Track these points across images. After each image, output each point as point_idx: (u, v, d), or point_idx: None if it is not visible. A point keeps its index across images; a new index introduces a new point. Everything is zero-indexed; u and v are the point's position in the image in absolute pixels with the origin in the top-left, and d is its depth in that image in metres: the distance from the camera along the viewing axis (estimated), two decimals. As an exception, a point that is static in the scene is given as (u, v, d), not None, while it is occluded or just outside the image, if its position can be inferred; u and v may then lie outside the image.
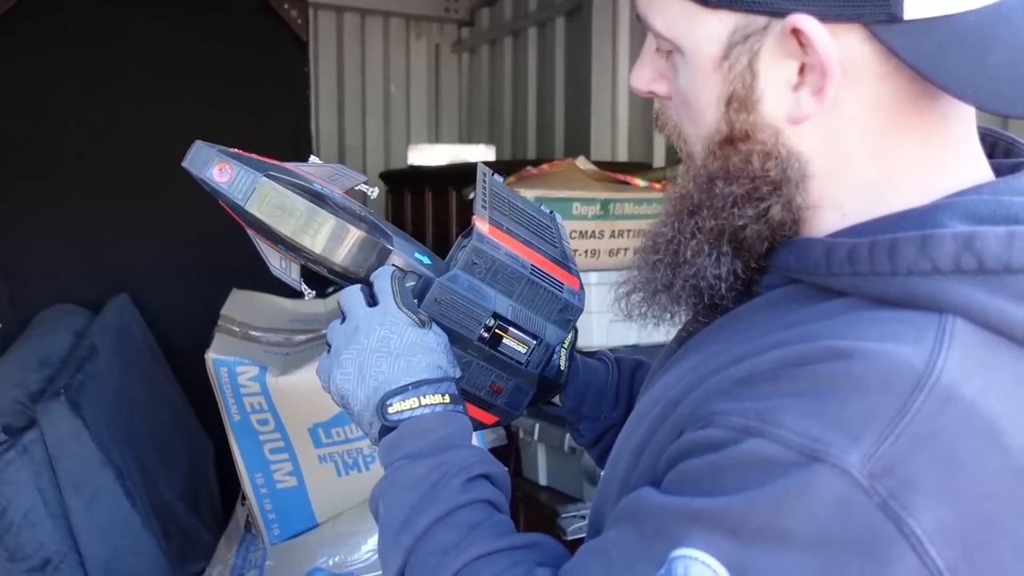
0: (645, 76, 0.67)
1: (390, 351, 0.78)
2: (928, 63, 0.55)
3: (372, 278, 0.85)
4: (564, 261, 0.90)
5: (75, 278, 2.80)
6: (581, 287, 0.91)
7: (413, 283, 0.84)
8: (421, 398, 0.76)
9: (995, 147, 0.69)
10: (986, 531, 0.52)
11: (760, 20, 0.58)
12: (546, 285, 0.86)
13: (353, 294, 0.83)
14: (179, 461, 2.46)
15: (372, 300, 0.83)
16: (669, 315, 0.71)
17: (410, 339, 0.78)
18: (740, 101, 0.60)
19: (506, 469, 0.79)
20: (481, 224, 0.85)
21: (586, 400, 1.00)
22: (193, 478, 2.50)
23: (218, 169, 0.82)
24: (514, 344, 0.83)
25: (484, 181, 0.92)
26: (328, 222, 0.83)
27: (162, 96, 2.94)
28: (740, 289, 0.66)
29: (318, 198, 0.83)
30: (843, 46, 0.57)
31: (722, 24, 0.59)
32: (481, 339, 0.83)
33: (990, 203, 0.58)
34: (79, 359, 2.17)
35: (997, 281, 0.54)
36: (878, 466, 0.50)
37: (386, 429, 0.77)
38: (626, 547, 0.58)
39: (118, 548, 2.01)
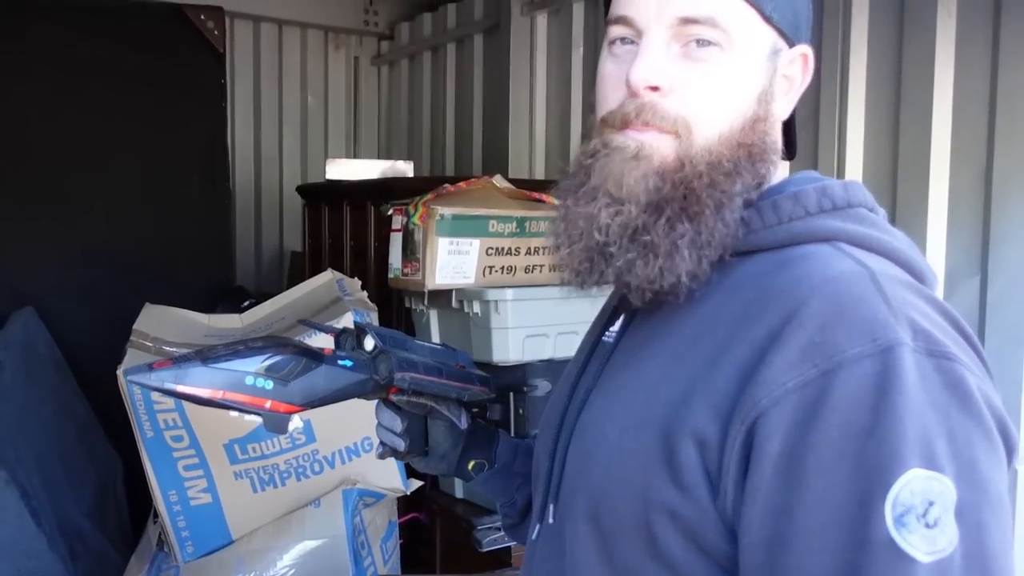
0: (659, 67, 0.77)
1: None
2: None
3: None
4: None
5: (-25, 290, 2.70)
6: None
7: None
8: None
9: None
10: None
11: (783, 43, 0.81)
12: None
13: None
14: (87, 479, 2.40)
15: None
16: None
17: None
18: (769, 94, 0.81)
19: None
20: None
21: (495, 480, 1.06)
22: (101, 496, 2.44)
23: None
24: None
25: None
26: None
27: (71, 102, 2.86)
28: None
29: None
30: None
31: (769, 36, 0.80)
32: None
33: (805, 177, 0.83)
34: (-19, 375, 2.11)
35: (843, 213, 0.78)
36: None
37: None
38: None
39: (22, 570, 1.96)
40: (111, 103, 2.91)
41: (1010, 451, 0.69)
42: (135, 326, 2.04)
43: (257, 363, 0.85)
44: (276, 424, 0.87)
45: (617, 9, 0.80)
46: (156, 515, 1.94)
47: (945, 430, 0.64)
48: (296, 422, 0.89)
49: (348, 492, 1.88)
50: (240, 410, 0.85)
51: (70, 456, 2.36)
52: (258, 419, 0.87)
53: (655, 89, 0.77)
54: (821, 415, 0.65)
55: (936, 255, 2.03)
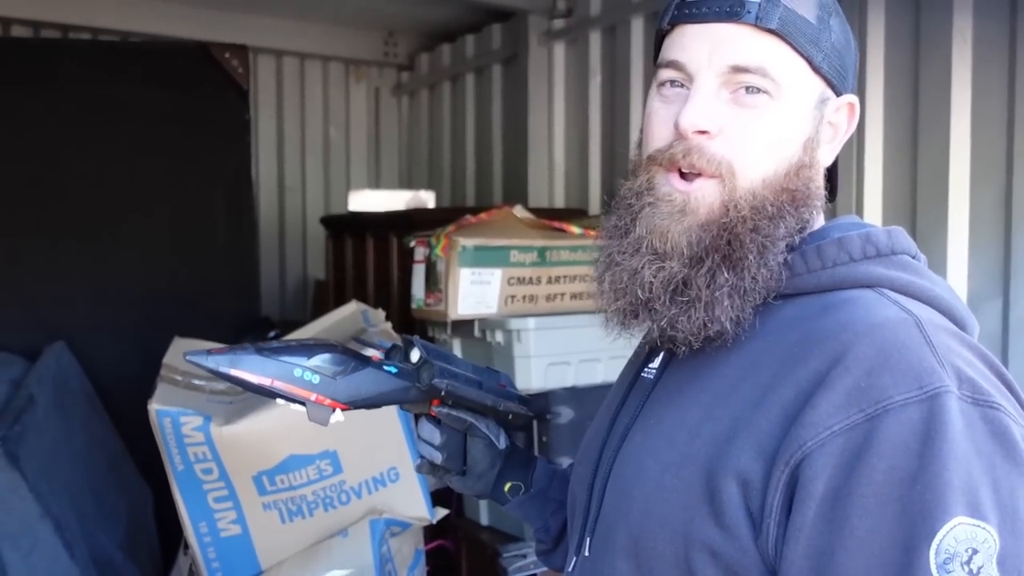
0: (709, 113, 0.79)
1: None
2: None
3: None
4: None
5: (10, 326, 2.75)
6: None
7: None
8: None
9: None
10: None
11: (831, 92, 0.84)
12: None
13: None
14: (118, 511, 2.44)
15: None
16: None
17: None
18: (815, 141, 0.83)
19: None
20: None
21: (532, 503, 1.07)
22: (133, 528, 2.48)
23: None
24: None
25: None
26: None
27: (100, 141, 2.93)
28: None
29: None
30: None
31: (818, 85, 0.83)
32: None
33: (848, 222, 0.85)
34: (16, 409, 2.15)
35: (887, 260, 0.80)
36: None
37: None
38: None
39: (57, 602, 1.99)
40: (139, 141, 2.98)
41: None
42: (165, 359, 2.08)
43: (307, 359, 0.91)
44: (318, 415, 0.92)
45: (669, 54, 0.82)
46: (187, 546, 1.97)
47: (990, 479, 0.65)
48: (338, 416, 0.94)
49: (375, 522, 1.89)
50: (286, 398, 0.91)
51: (102, 488, 2.39)
52: (302, 409, 0.93)
53: (703, 133, 0.79)
54: (866, 459, 0.66)
55: (957, 279, 2.03)
